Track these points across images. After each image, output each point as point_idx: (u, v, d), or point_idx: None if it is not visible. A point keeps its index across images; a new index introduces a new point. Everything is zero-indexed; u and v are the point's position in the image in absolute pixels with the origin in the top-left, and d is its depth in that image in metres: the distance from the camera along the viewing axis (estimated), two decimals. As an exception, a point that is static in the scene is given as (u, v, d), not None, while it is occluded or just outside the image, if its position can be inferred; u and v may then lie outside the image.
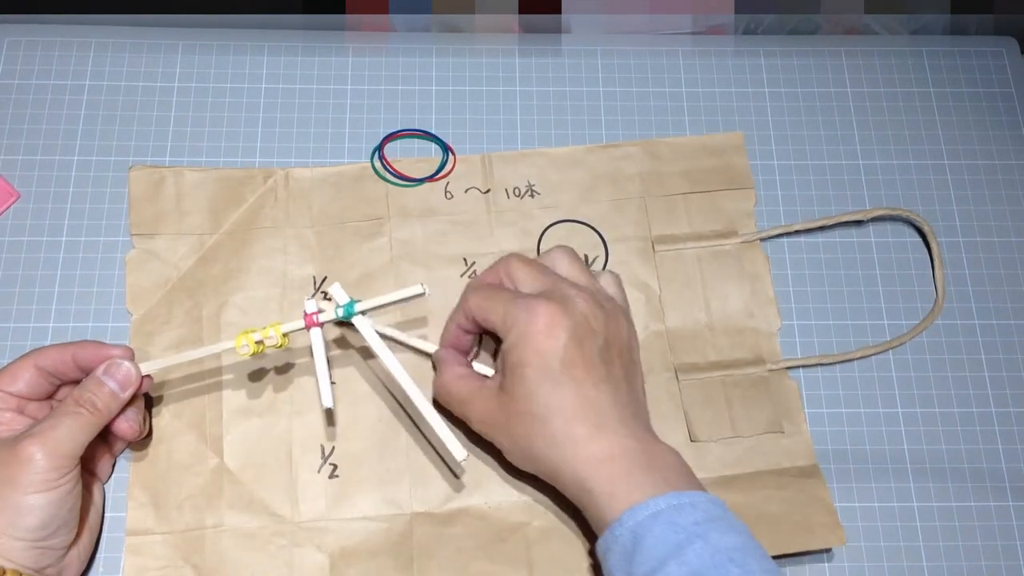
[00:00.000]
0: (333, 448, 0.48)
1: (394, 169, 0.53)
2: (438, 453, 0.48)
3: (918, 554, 0.48)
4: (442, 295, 0.51)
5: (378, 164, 0.53)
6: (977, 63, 0.59)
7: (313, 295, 0.51)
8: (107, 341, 0.49)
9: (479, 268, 0.52)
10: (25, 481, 0.39)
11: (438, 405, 0.47)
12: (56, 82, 0.55)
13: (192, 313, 0.50)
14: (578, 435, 0.41)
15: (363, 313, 0.46)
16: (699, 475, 0.43)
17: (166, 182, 0.53)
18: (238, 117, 0.55)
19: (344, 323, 0.47)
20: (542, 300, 0.43)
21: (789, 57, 0.59)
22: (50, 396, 0.45)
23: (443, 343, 0.48)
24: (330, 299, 0.50)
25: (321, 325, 0.46)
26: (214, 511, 0.46)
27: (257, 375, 0.49)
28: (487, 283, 0.46)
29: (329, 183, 0.53)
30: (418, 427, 0.48)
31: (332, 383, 0.48)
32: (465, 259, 0.52)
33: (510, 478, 0.48)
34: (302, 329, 0.45)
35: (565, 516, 0.47)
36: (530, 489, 0.48)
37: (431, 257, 0.52)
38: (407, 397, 0.46)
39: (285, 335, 0.45)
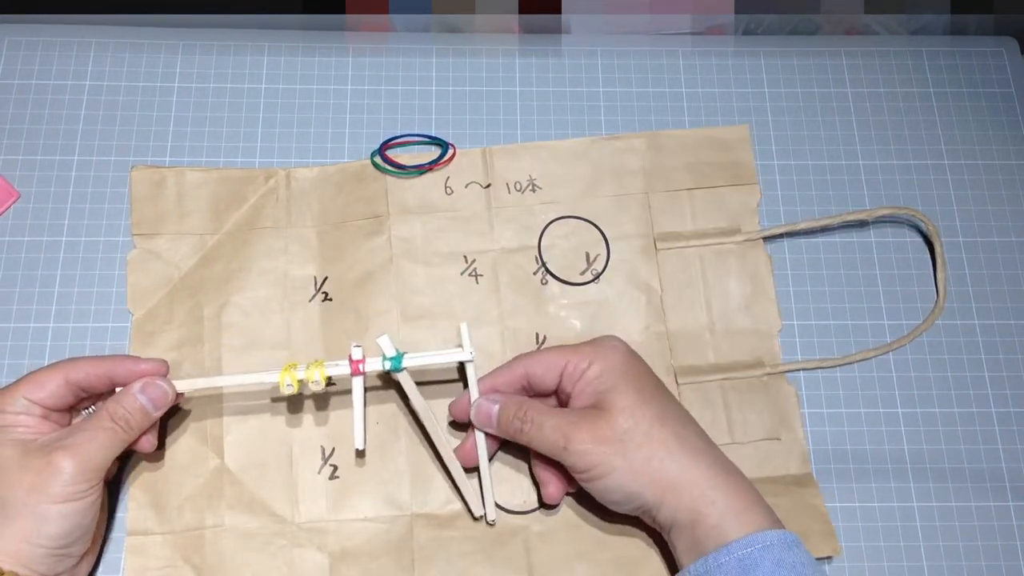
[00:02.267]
0: (333, 449, 0.48)
1: (394, 162, 0.53)
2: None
3: (918, 554, 0.48)
4: (441, 294, 0.51)
5: (378, 159, 0.53)
6: (977, 63, 0.59)
7: (314, 296, 0.51)
8: (107, 341, 0.50)
9: (479, 266, 0.52)
10: (53, 491, 0.39)
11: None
12: (56, 82, 0.55)
13: (193, 313, 0.50)
14: (697, 447, 0.42)
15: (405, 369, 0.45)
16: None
17: (167, 182, 0.52)
18: (238, 117, 0.55)
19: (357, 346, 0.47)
20: (607, 336, 0.46)
21: (789, 57, 0.58)
22: (71, 407, 0.44)
23: (484, 393, 0.46)
24: (331, 299, 0.50)
25: (364, 374, 0.45)
26: (214, 511, 0.47)
27: (258, 375, 0.49)
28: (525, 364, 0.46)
29: (331, 181, 0.53)
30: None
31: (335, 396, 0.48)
32: (465, 256, 0.52)
33: (508, 481, 0.48)
34: (346, 375, 0.45)
35: (564, 521, 0.47)
36: (525, 494, 0.48)
37: (431, 254, 0.52)
38: (434, 442, 0.47)
39: (328, 378, 0.45)
